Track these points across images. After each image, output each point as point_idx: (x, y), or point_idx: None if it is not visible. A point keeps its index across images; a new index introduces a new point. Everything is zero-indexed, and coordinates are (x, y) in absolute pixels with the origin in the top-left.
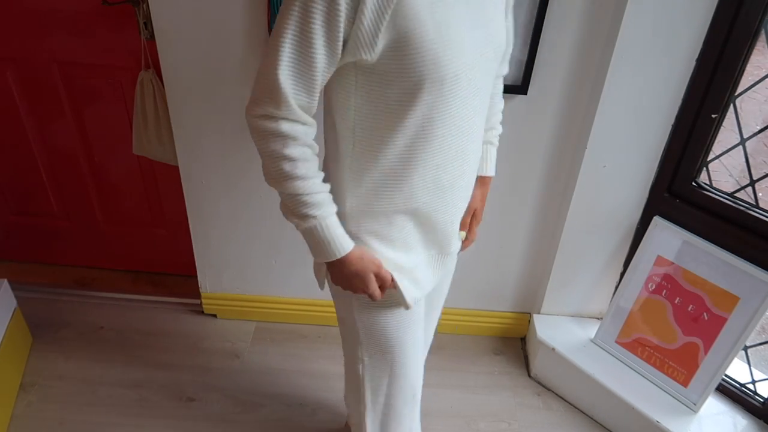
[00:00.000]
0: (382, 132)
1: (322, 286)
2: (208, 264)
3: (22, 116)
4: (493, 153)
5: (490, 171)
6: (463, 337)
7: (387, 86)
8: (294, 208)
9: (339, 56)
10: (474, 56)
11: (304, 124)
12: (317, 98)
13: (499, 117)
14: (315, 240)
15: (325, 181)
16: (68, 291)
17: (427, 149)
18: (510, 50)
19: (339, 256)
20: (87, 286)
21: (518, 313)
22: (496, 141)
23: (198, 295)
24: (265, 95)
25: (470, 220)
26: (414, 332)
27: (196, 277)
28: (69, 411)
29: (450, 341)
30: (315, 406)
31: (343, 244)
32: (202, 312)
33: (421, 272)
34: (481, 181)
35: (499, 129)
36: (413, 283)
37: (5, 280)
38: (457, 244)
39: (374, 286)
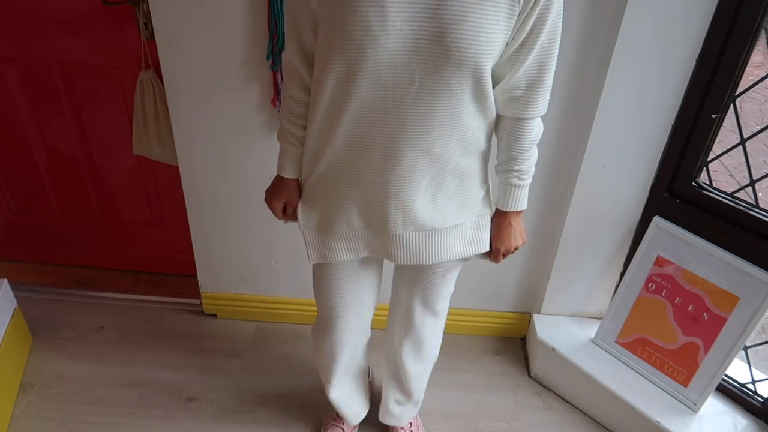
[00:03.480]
0: (314, 84)
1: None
2: (208, 264)
3: (22, 116)
4: (510, 191)
5: (503, 205)
6: (463, 337)
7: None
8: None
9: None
10: (380, 27)
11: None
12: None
13: (522, 158)
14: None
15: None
16: (68, 291)
17: (332, 115)
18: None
19: (278, 173)
20: (87, 286)
21: (518, 313)
22: (514, 180)
23: (198, 295)
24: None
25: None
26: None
27: (196, 277)
28: (69, 411)
29: (450, 341)
30: (315, 406)
31: (281, 168)
32: (202, 312)
33: (335, 236)
34: (498, 213)
35: (522, 169)
36: (322, 237)
37: (5, 280)
38: (394, 227)
39: (273, 205)
